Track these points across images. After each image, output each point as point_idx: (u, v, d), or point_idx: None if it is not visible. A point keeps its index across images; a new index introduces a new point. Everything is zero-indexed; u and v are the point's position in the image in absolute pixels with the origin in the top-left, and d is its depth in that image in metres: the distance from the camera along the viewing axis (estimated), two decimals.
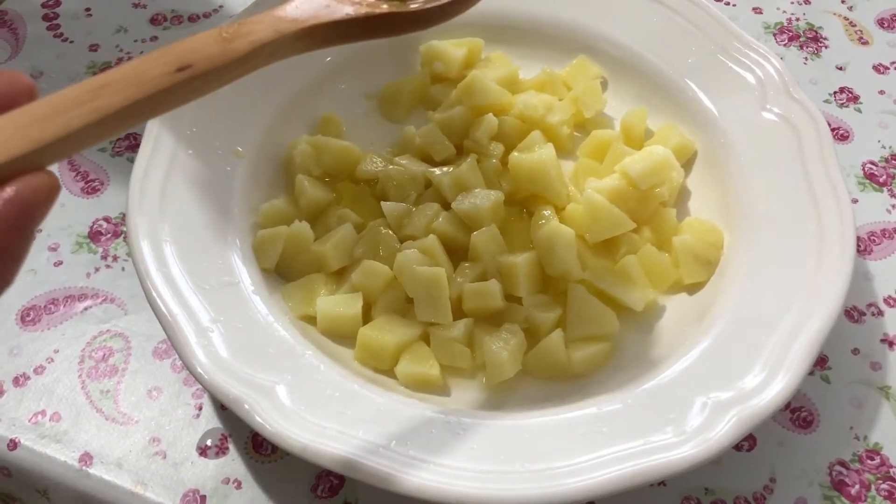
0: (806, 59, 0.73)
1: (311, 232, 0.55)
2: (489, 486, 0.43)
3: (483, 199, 0.56)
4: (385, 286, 0.53)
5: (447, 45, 0.65)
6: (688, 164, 0.61)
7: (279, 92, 0.61)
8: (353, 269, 0.54)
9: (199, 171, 0.55)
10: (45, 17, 0.74)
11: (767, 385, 0.46)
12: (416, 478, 0.43)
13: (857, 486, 0.50)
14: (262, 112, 0.60)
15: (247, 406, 0.44)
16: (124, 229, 0.59)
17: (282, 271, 0.55)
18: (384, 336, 0.51)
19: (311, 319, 0.53)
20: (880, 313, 0.57)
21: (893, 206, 0.62)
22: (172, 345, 0.47)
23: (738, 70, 0.61)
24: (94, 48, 0.71)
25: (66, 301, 0.56)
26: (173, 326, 0.47)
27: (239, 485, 0.49)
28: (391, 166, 0.59)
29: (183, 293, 0.48)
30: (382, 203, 0.57)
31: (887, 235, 0.61)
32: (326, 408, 0.46)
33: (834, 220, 0.52)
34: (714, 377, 0.47)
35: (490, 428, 0.46)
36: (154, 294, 0.48)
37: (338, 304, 0.53)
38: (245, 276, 0.52)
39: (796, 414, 0.52)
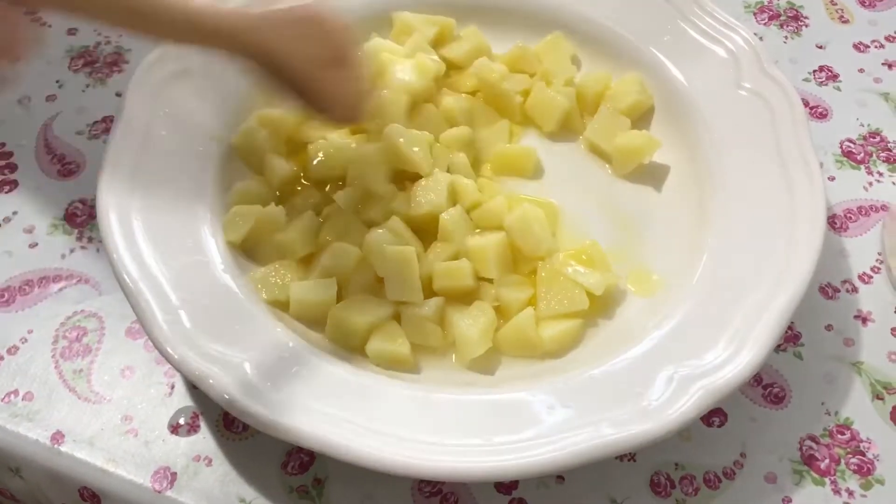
0: (786, 37, 0.72)
1: (284, 217, 0.55)
2: (454, 459, 0.43)
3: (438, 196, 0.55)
4: (355, 266, 0.53)
5: (420, 21, 0.65)
6: (665, 142, 0.61)
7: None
8: (320, 255, 0.54)
9: (172, 151, 0.55)
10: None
11: (733, 359, 0.46)
12: (383, 453, 0.43)
13: (827, 461, 0.50)
14: (236, 93, 0.60)
15: (212, 381, 0.44)
16: None
17: (249, 250, 0.55)
18: (355, 316, 0.51)
19: (281, 305, 0.52)
20: (854, 290, 0.57)
21: (870, 184, 0.62)
22: (139, 321, 0.47)
23: (712, 46, 0.61)
24: (72, 32, 0.71)
25: (41, 282, 0.56)
26: (140, 303, 0.47)
27: (210, 462, 0.49)
28: (321, 140, 0.59)
29: (151, 270, 0.48)
30: (335, 195, 0.56)
31: (863, 213, 0.61)
32: (294, 384, 0.46)
33: (805, 195, 0.52)
34: (681, 351, 0.47)
35: (456, 403, 0.46)
36: (122, 270, 0.48)
37: (312, 289, 0.52)
38: (215, 254, 0.52)
39: (768, 390, 0.52)
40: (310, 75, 0.51)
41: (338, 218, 0.55)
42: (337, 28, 0.52)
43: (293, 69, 0.50)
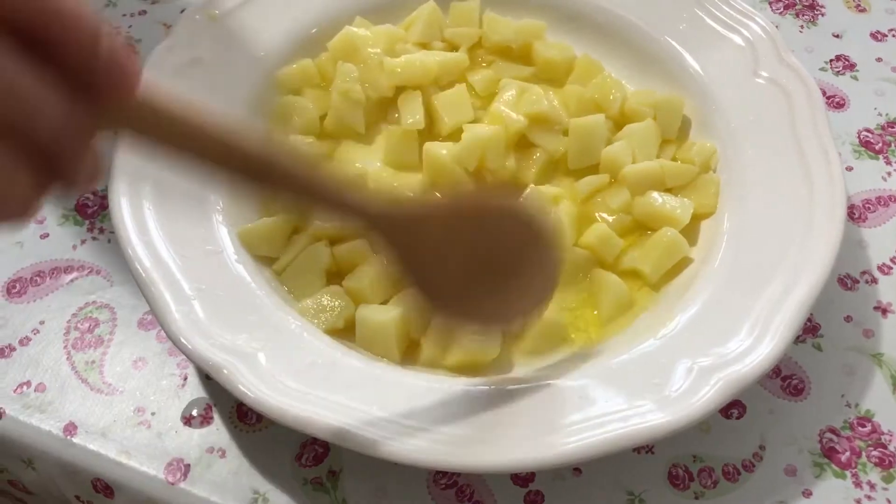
0: (802, 26, 0.72)
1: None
2: (470, 451, 0.42)
3: None
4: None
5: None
6: (681, 129, 0.60)
7: (264, 64, 0.61)
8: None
9: None
10: None
11: (753, 350, 0.45)
12: (398, 443, 0.42)
13: (848, 454, 0.49)
14: (247, 82, 0.59)
15: (226, 372, 0.44)
16: None
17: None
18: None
19: (339, 332, 0.50)
20: (874, 281, 0.56)
21: (889, 174, 0.62)
22: (152, 311, 0.46)
23: (728, 34, 0.60)
24: None
25: (53, 273, 0.56)
26: (153, 293, 0.46)
27: (223, 454, 0.49)
28: None
29: (164, 260, 0.48)
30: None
31: (882, 203, 0.60)
32: (308, 374, 0.45)
33: (824, 184, 0.51)
34: (700, 342, 0.46)
35: (473, 394, 0.46)
36: (134, 260, 0.47)
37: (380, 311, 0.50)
38: (228, 244, 0.51)
39: (787, 381, 0.52)
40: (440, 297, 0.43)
41: None
42: (514, 230, 0.43)
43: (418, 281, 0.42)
